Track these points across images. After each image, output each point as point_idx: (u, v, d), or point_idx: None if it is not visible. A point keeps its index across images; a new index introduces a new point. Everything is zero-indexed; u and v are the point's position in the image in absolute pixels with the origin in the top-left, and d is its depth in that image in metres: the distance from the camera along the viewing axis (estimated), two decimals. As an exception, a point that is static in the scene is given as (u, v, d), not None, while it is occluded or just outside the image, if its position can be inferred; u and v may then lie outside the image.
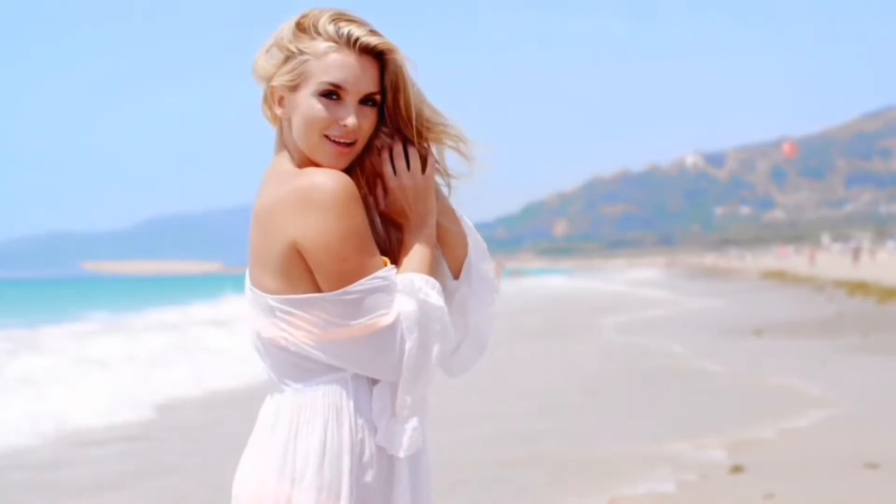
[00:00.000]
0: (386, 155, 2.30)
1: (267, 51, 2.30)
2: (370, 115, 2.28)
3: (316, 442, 2.23)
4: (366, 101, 2.26)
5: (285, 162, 2.31)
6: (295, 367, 2.27)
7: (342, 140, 2.25)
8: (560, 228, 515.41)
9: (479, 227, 2.45)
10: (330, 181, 2.18)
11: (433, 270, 2.29)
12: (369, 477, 2.23)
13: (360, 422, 2.24)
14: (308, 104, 2.24)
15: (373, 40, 2.25)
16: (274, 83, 2.28)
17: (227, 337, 20.58)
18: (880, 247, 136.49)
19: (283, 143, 2.34)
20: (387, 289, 2.20)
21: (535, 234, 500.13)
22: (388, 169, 2.30)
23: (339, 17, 2.26)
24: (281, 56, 2.27)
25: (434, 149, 2.36)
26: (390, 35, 2.33)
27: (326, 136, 2.24)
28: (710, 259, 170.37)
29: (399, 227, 2.33)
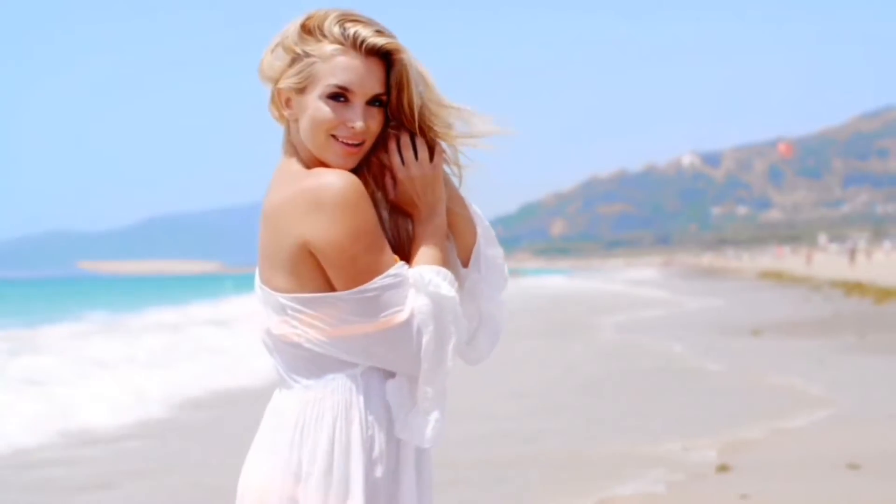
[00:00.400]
0: (393, 146, 2.31)
1: (272, 51, 2.30)
2: (377, 115, 2.29)
3: (324, 438, 2.24)
4: (373, 101, 2.27)
5: (294, 162, 2.32)
6: (305, 362, 2.28)
7: (350, 141, 2.26)
8: (557, 228, 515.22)
9: (476, 226, 2.38)
10: (338, 181, 2.19)
11: (444, 260, 2.30)
12: (379, 472, 2.24)
13: (370, 418, 2.25)
14: (316, 106, 2.25)
15: (379, 41, 2.25)
16: (281, 85, 2.29)
17: (227, 337, 20.59)
18: (877, 247, 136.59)
19: (291, 144, 2.35)
20: (400, 285, 2.21)
21: (532, 233, 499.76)
22: (396, 160, 2.31)
23: (344, 18, 2.26)
24: (287, 58, 2.27)
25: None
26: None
27: (335, 137, 2.26)
28: (707, 259, 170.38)
29: (410, 218, 2.35)
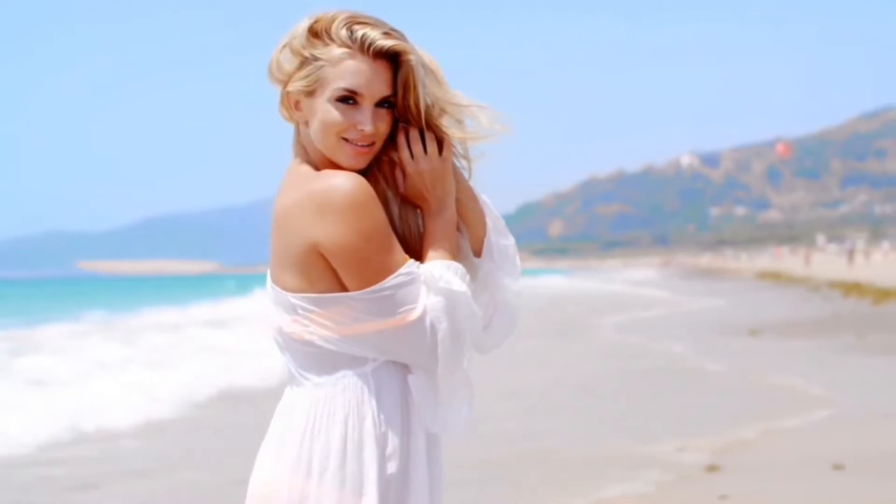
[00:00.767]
0: (403, 140, 2.32)
1: (280, 52, 2.31)
2: (386, 117, 2.30)
3: (336, 436, 2.25)
4: (381, 103, 2.29)
5: (303, 164, 2.34)
6: (316, 360, 2.29)
7: (361, 143, 2.28)
8: (556, 228, 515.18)
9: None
10: (346, 183, 2.21)
11: (455, 254, 2.32)
12: (392, 469, 2.26)
13: (382, 415, 2.26)
14: (325, 109, 2.27)
15: (387, 43, 2.25)
16: (290, 88, 2.30)
17: (227, 337, 20.61)
18: (875, 247, 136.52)
19: (300, 145, 2.36)
20: (412, 283, 2.23)
21: (530, 234, 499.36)
22: (405, 154, 2.32)
23: (351, 21, 2.26)
24: (296, 61, 2.28)
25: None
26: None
27: (345, 139, 2.27)
28: (705, 259, 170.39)
29: (420, 211, 2.36)
